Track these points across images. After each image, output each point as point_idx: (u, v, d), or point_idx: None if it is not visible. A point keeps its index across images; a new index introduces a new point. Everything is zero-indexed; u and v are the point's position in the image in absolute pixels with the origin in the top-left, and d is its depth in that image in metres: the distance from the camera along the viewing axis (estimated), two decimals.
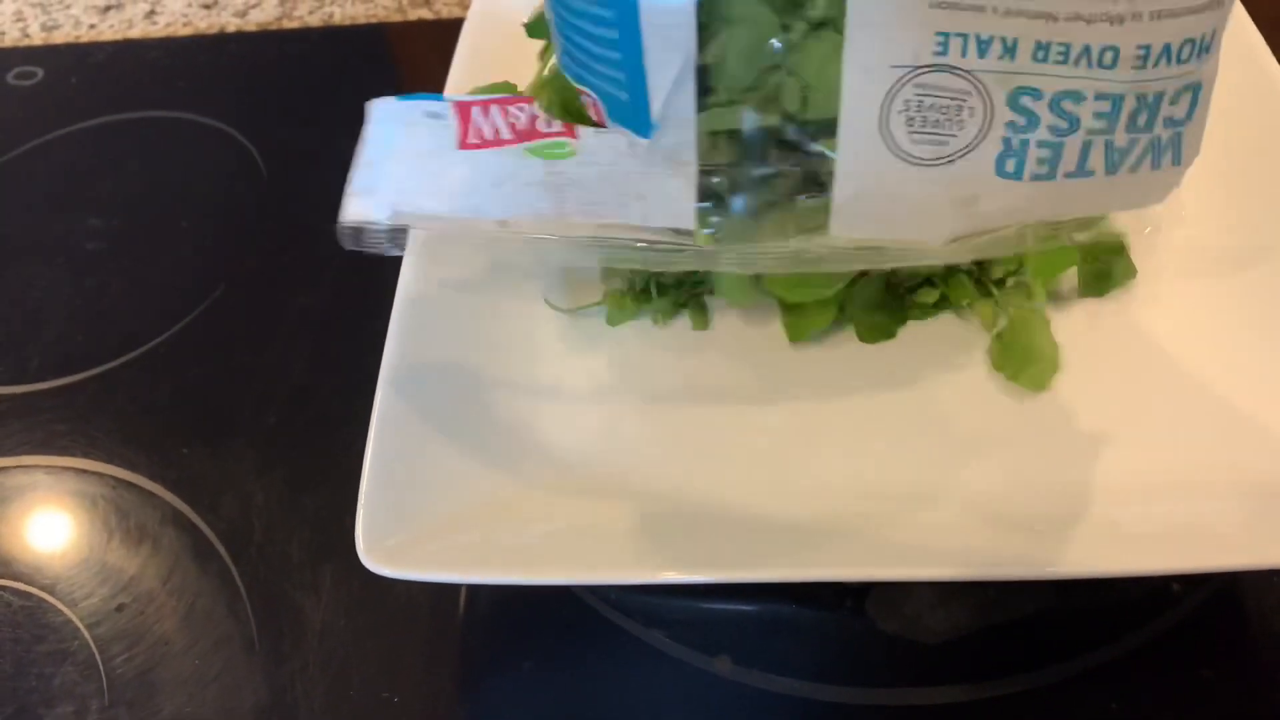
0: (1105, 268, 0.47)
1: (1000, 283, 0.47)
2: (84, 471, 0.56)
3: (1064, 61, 0.35)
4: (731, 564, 0.40)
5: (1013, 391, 0.46)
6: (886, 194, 0.37)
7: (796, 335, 0.47)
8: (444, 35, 0.76)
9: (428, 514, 0.42)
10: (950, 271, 0.47)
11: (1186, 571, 0.40)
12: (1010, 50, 0.34)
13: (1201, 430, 0.43)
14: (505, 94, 0.48)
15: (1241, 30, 0.52)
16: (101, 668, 0.49)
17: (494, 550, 0.41)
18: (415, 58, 0.79)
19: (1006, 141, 0.36)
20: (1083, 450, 0.43)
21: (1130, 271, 0.47)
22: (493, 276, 0.52)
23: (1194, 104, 0.36)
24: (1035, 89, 0.35)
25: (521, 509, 0.43)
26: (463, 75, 0.58)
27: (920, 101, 0.35)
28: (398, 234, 0.42)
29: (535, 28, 0.53)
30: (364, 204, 0.41)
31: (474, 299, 0.51)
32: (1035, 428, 0.45)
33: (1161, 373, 0.45)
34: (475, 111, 0.43)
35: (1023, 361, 0.45)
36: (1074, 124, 0.36)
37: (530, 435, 0.46)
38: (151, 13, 0.84)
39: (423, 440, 0.45)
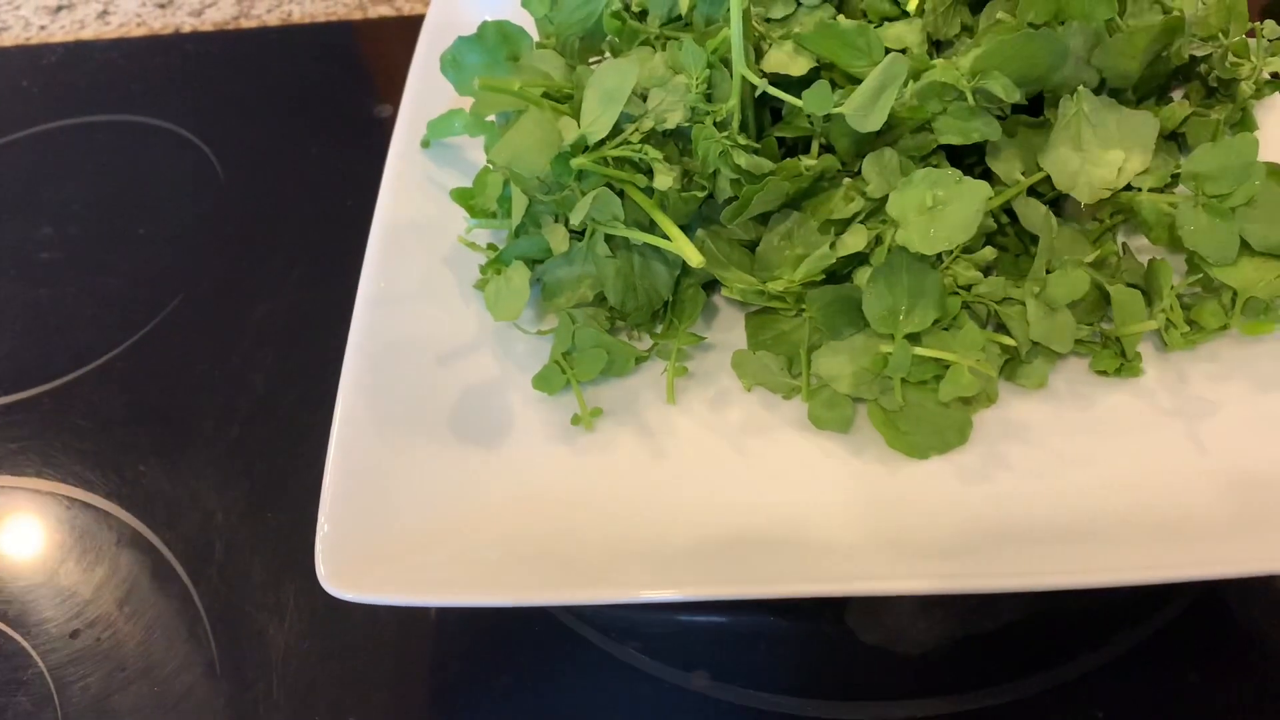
0: None
1: None
2: (37, 492, 0.54)
3: None
4: (700, 581, 0.39)
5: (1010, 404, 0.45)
6: None
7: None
8: (407, 32, 0.74)
9: (390, 534, 0.41)
10: None
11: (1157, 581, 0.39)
12: None
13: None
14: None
15: None
16: (55, 697, 0.47)
17: (460, 571, 0.40)
18: (377, 56, 0.77)
19: None
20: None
21: None
22: (458, 288, 0.50)
23: None
24: None
25: (486, 527, 0.42)
26: (422, 80, 0.56)
27: None
28: None
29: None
30: None
31: (437, 312, 0.49)
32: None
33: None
34: None
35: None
36: None
37: (494, 452, 0.45)
38: (104, 12, 0.82)
39: (383, 459, 0.43)
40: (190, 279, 0.62)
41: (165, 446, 0.55)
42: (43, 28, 0.82)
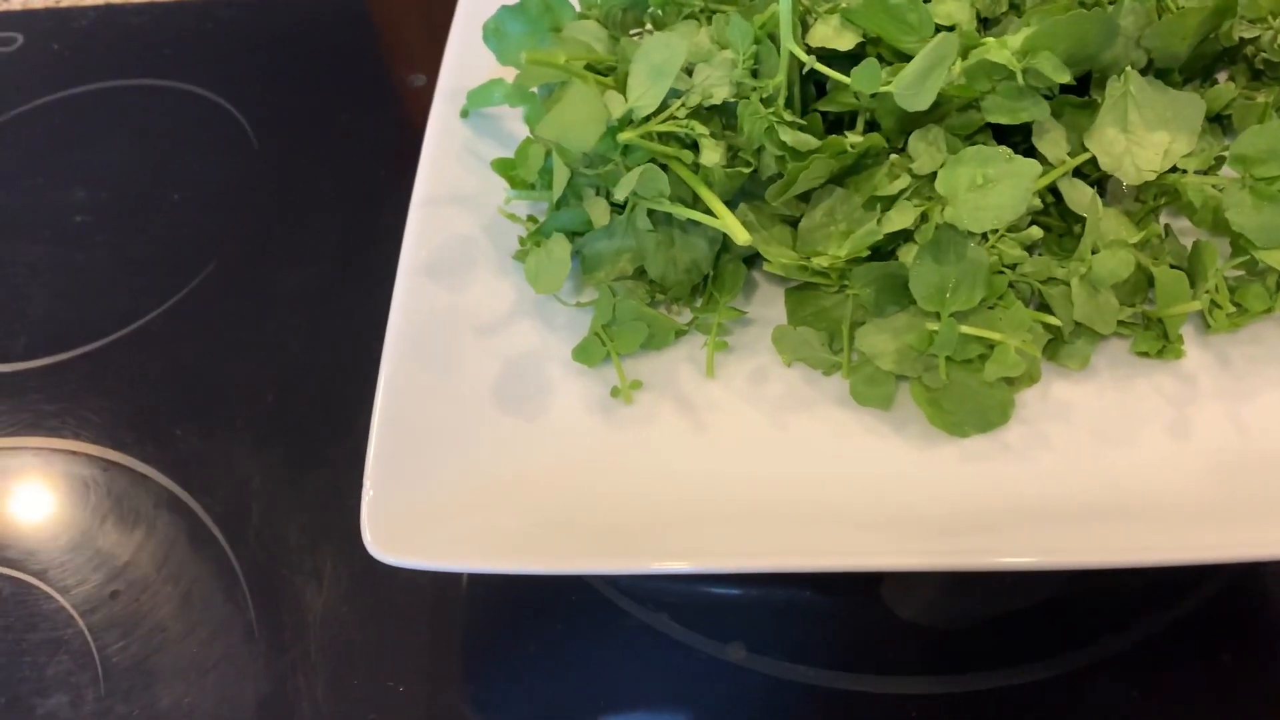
0: None
1: None
2: (74, 454, 0.54)
3: None
4: (735, 553, 0.39)
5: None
6: None
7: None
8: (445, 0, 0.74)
9: (433, 501, 0.41)
10: None
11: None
12: None
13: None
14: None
15: None
16: (96, 656, 0.47)
17: (501, 538, 0.40)
18: (412, 23, 0.76)
19: None
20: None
21: None
22: (498, 259, 0.50)
23: None
24: None
25: (526, 495, 0.42)
26: (461, 48, 0.56)
27: None
28: None
29: None
30: None
31: (477, 282, 0.49)
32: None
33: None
34: None
35: None
36: None
37: (534, 422, 0.45)
38: None
39: (426, 427, 0.43)
40: (224, 245, 0.62)
41: (201, 411, 0.55)
42: None
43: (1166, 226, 0.47)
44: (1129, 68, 0.45)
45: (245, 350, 0.57)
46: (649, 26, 0.52)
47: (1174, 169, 0.46)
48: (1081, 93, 0.47)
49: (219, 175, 0.66)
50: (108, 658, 0.47)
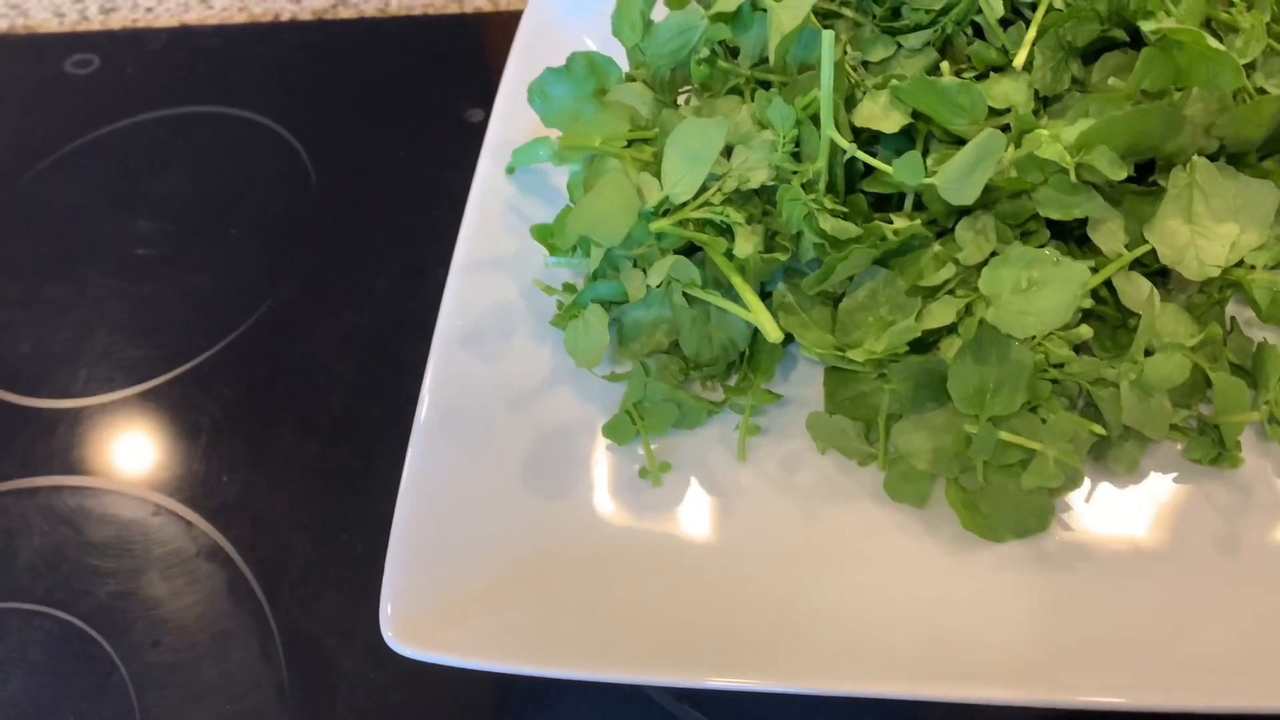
0: None
1: None
2: (127, 495, 0.56)
3: None
4: (761, 671, 0.38)
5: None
6: None
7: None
8: (503, 27, 0.74)
9: (455, 594, 0.41)
10: None
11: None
12: None
13: None
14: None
15: None
16: (136, 707, 0.49)
17: (523, 638, 0.40)
18: (472, 53, 0.76)
19: None
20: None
21: None
22: (534, 325, 0.49)
23: None
24: None
25: (550, 590, 0.42)
26: (509, 101, 0.55)
27: None
28: None
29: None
30: None
31: (513, 351, 0.49)
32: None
33: None
34: None
35: None
36: None
37: (561, 504, 0.45)
38: None
39: (451, 512, 0.43)
40: (278, 285, 0.63)
41: (248, 458, 0.56)
42: (149, 9, 0.83)
43: (1232, 319, 0.45)
44: (1197, 156, 0.43)
45: (293, 396, 0.58)
46: (696, 86, 0.51)
47: (1241, 262, 0.43)
48: (1143, 177, 0.44)
49: (277, 210, 0.67)
50: (146, 708, 0.49)
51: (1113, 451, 0.43)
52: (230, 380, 0.59)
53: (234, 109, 0.73)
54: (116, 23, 0.82)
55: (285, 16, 0.80)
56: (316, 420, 0.57)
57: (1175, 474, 0.43)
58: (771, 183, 0.43)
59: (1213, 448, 0.42)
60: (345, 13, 0.80)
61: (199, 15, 0.81)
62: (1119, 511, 0.42)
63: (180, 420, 0.58)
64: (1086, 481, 0.43)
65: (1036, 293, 0.40)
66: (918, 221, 0.43)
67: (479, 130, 0.63)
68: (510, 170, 0.54)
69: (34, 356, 0.62)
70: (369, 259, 0.64)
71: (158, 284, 0.65)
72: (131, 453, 0.57)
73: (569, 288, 0.49)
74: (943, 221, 0.45)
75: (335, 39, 0.77)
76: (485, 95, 0.69)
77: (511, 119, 0.56)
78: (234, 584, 0.52)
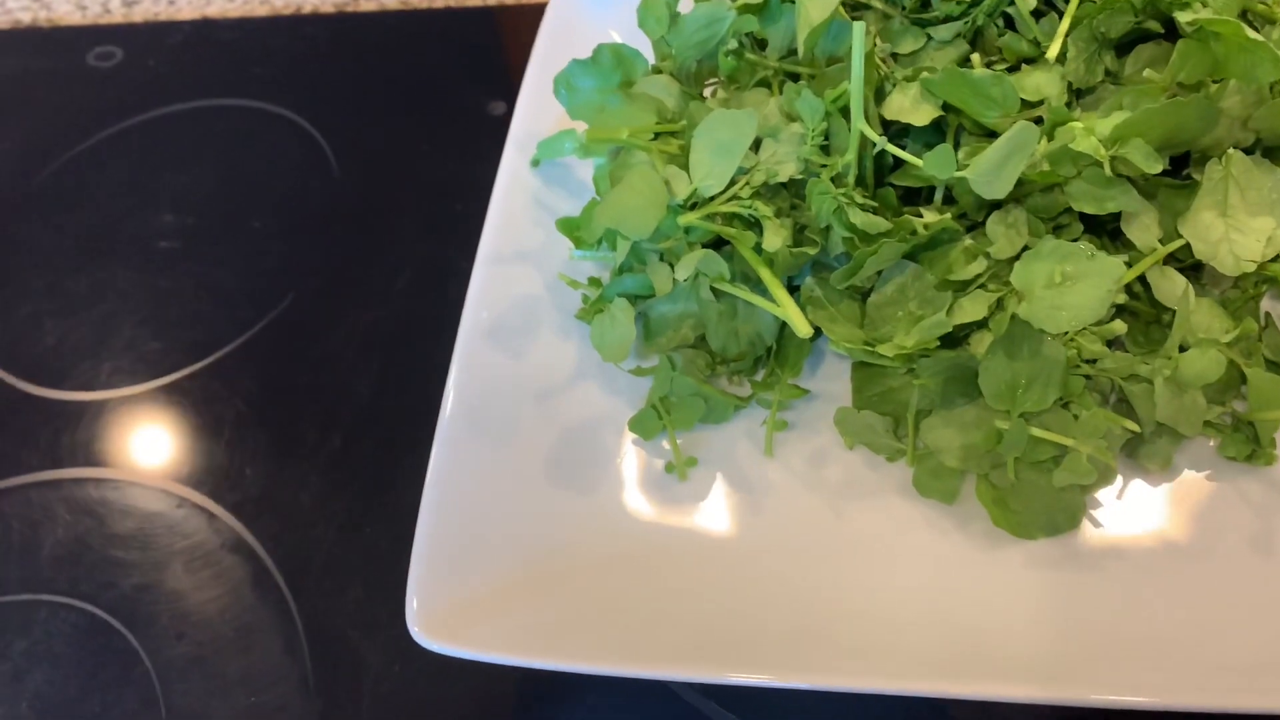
0: None
1: None
2: (151, 488, 0.56)
3: None
4: (788, 668, 0.38)
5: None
6: None
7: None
8: (525, 19, 0.73)
9: (481, 588, 0.41)
10: None
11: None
12: None
13: None
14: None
15: None
16: (161, 699, 0.49)
17: (549, 632, 0.40)
18: (494, 45, 0.76)
19: None
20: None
21: None
22: (559, 319, 0.49)
23: None
24: None
25: (576, 585, 0.41)
26: (534, 94, 0.55)
27: None
28: None
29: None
30: None
31: (538, 345, 0.48)
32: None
33: None
34: None
35: None
36: None
37: (587, 499, 0.44)
38: None
39: (477, 506, 0.43)
40: (301, 277, 0.63)
41: (270, 451, 0.56)
42: (171, 2, 0.83)
43: (1267, 315, 0.44)
44: (1232, 149, 0.42)
45: (315, 390, 0.58)
46: (723, 77, 0.50)
47: (1277, 257, 0.43)
48: (1178, 170, 0.44)
49: (300, 203, 0.67)
50: (171, 701, 0.49)
51: (1145, 448, 0.42)
52: (253, 373, 0.59)
53: (256, 101, 0.73)
54: (139, 15, 0.82)
55: (307, 9, 0.80)
56: (339, 414, 0.57)
57: (1209, 471, 0.42)
58: (800, 176, 0.43)
59: (1247, 444, 0.42)
60: (367, 5, 0.79)
61: (221, 8, 0.81)
62: (1151, 509, 0.42)
63: (203, 413, 0.58)
64: (1119, 478, 0.42)
65: (1070, 287, 0.39)
66: (948, 215, 0.43)
67: (500, 123, 0.63)
68: (535, 163, 0.54)
69: (58, 349, 0.62)
70: (391, 252, 0.63)
71: (181, 277, 0.65)
72: (154, 446, 0.57)
73: (594, 282, 0.49)
74: (973, 215, 0.45)
75: (357, 31, 0.77)
76: (506, 88, 0.69)
77: (536, 111, 0.55)
78: (258, 577, 0.52)
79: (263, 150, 0.71)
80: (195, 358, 0.60)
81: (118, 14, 0.83)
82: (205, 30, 0.80)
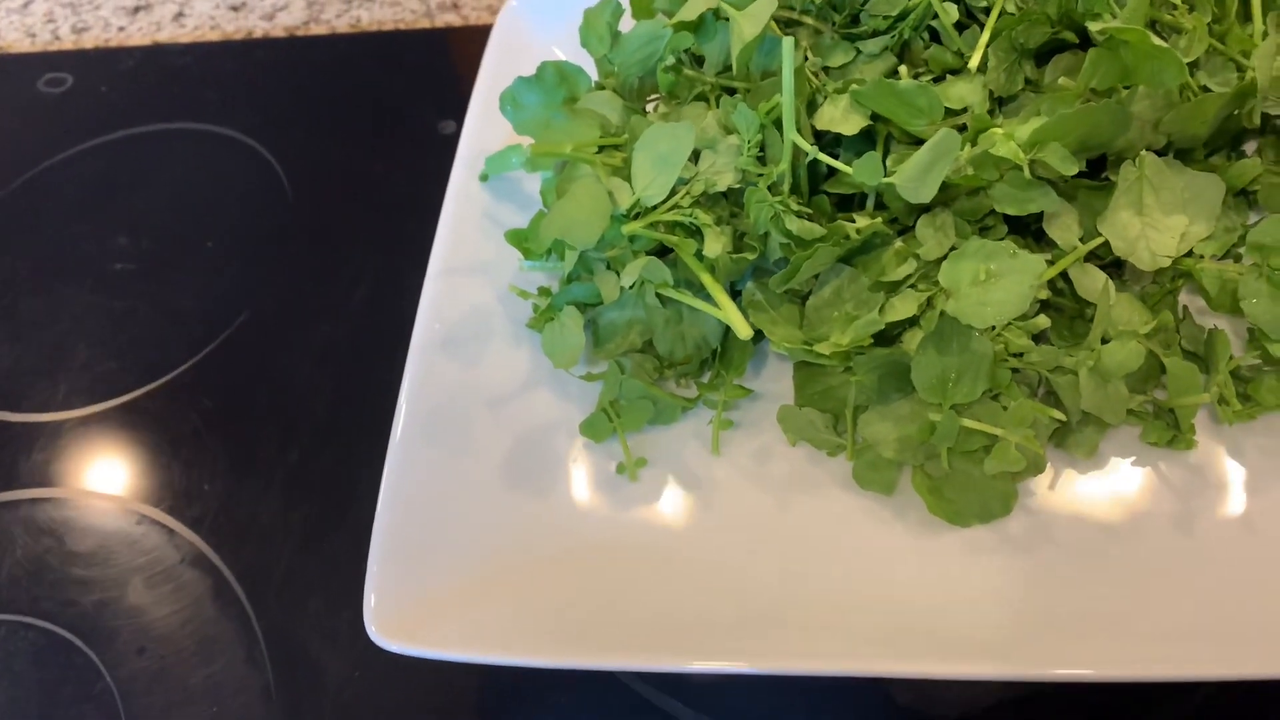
0: None
1: None
2: (109, 506, 0.56)
3: None
4: (739, 653, 0.39)
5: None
6: None
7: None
8: (472, 41, 0.75)
9: (437, 589, 0.42)
10: None
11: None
12: None
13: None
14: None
15: None
16: (123, 713, 0.49)
17: (505, 630, 0.41)
18: (443, 66, 0.77)
19: None
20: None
21: None
22: (511, 329, 0.51)
23: None
24: None
25: (531, 583, 0.43)
26: (482, 112, 0.57)
27: None
28: None
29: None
30: None
31: (490, 354, 0.50)
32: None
33: None
34: None
35: None
36: None
37: (541, 501, 0.46)
38: (180, 14, 0.84)
39: (431, 510, 0.44)
40: (255, 296, 0.64)
41: (228, 467, 0.57)
42: (121, 29, 0.83)
43: (1184, 308, 0.47)
44: (1145, 152, 0.44)
45: (272, 406, 0.59)
46: (663, 94, 0.52)
47: (1190, 253, 0.45)
48: (1096, 172, 0.46)
49: (253, 224, 0.68)
50: (133, 714, 0.49)
51: (1073, 437, 0.44)
52: (210, 391, 0.60)
53: (209, 125, 0.74)
54: (89, 42, 0.83)
55: (258, 34, 0.81)
56: (296, 429, 0.58)
57: (1133, 457, 0.44)
58: (738, 185, 0.45)
59: (1167, 431, 0.44)
60: (317, 29, 0.81)
61: (171, 34, 0.82)
62: (1080, 494, 0.44)
63: (160, 431, 0.59)
64: (1049, 467, 0.44)
65: (995, 283, 0.41)
66: (879, 220, 0.45)
67: (451, 142, 0.64)
68: (484, 178, 0.55)
69: (13, 371, 0.62)
70: (345, 270, 0.64)
71: (135, 298, 0.65)
72: (113, 465, 0.58)
73: (544, 291, 0.51)
74: (903, 220, 0.47)
75: (308, 55, 0.79)
76: (457, 107, 0.70)
77: (484, 128, 0.57)
78: (218, 590, 0.52)
79: (216, 172, 0.72)
80: (152, 377, 0.61)
81: (68, 41, 0.83)
82: (156, 56, 0.80)
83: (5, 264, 0.68)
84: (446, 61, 0.77)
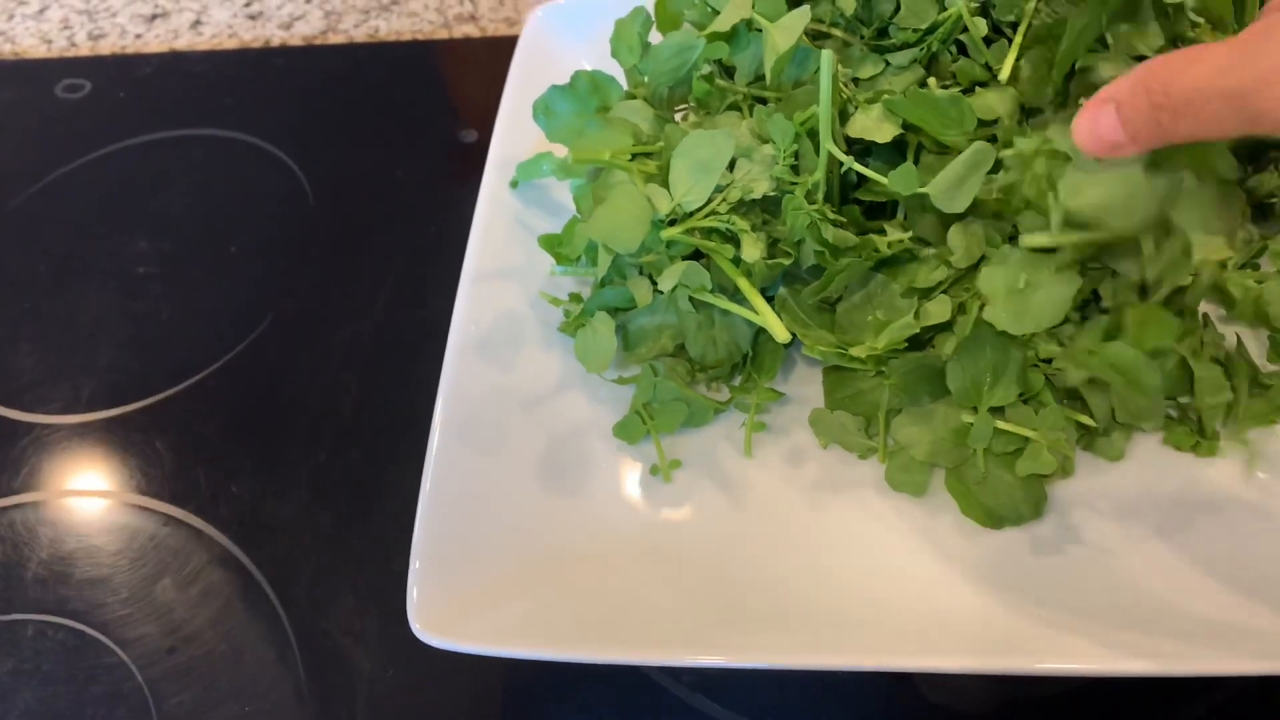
0: None
1: None
2: (136, 507, 0.56)
3: None
4: (771, 649, 0.40)
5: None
6: None
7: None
8: (491, 53, 0.76)
9: (479, 584, 0.43)
10: None
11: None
12: None
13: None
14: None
15: None
16: (154, 712, 0.49)
17: (544, 625, 0.42)
18: (461, 77, 0.78)
19: None
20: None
21: None
22: (543, 333, 0.51)
23: None
24: None
25: (568, 579, 0.43)
26: (511, 118, 0.57)
27: None
28: None
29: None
30: None
31: (524, 358, 0.50)
32: None
33: None
34: None
35: None
36: None
37: (576, 500, 0.46)
38: (197, 23, 0.84)
39: (472, 508, 0.45)
40: (279, 300, 0.64)
41: (256, 468, 0.57)
42: (138, 36, 0.84)
43: (1205, 315, 0.48)
44: None
45: (298, 408, 0.59)
46: (693, 103, 0.53)
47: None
48: None
49: (275, 228, 0.68)
50: (164, 714, 0.49)
51: (1101, 441, 0.45)
52: (235, 394, 0.60)
53: (229, 131, 0.75)
54: (106, 49, 0.83)
55: (276, 42, 0.82)
56: (322, 430, 0.58)
57: (1159, 461, 0.45)
58: (772, 193, 0.46)
59: (1191, 435, 0.45)
60: (335, 38, 0.81)
61: (189, 42, 0.83)
62: (1108, 497, 0.45)
63: (187, 433, 0.59)
64: (1079, 467, 0.45)
65: (1032, 294, 0.42)
66: (908, 234, 0.46)
67: (472, 150, 0.65)
68: (514, 184, 0.56)
69: (37, 373, 0.62)
70: (368, 273, 0.65)
71: (159, 301, 0.66)
72: (139, 466, 0.58)
73: (575, 297, 0.51)
74: (931, 231, 0.48)
75: (326, 64, 0.79)
76: (477, 116, 0.72)
77: (512, 136, 0.58)
78: (247, 589, 0.53)
79: (237, 178, 0.72)
80: (177, 380, 0.61)
81: (84, 48, 0.84)
82: (174, 63, 0.81)
83: (27, 266, 0.68)
84: (465, 71, 0.78)
